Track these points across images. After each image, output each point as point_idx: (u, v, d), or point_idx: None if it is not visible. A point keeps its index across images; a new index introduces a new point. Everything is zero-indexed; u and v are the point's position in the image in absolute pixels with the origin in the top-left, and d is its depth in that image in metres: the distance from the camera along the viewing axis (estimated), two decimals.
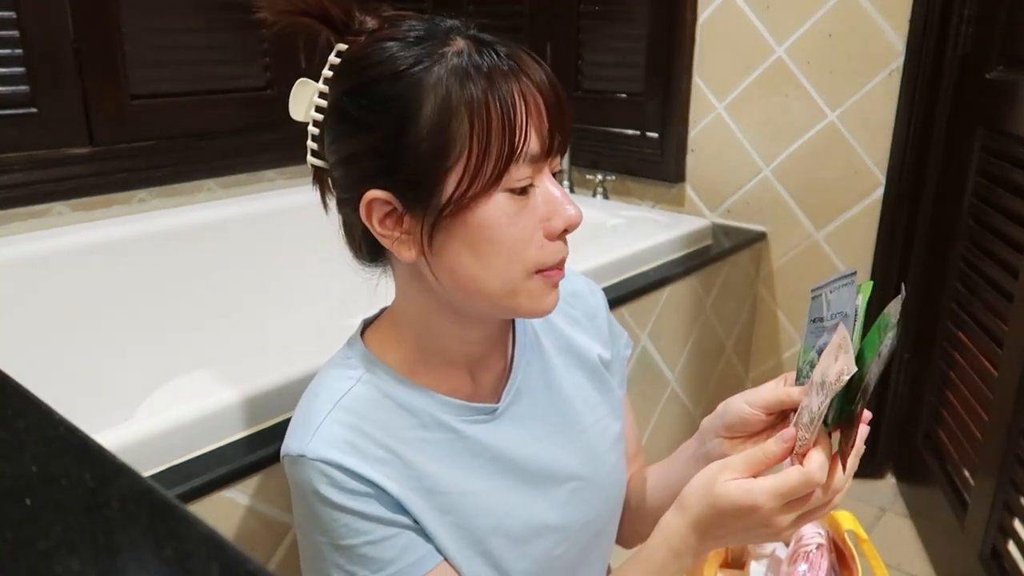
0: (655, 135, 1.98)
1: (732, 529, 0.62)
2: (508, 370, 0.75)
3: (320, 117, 0.66)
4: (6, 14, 1.49)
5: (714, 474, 0.62)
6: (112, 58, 1.64)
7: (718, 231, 1.84)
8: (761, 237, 1.85)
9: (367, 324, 0.75)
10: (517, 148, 0.60)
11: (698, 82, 1.88)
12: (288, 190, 1.97)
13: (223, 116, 1.86)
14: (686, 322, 1.68)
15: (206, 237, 1.74)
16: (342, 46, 0.65)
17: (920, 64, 1.54)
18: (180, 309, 1.65)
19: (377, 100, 0.61)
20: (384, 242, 0.65)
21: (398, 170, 0.61)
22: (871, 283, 0.64)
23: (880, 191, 1.66)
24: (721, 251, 1.73)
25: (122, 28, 1.65)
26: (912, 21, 1.54)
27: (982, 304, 1.39)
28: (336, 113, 0.65)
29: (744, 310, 1.90)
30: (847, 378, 0.56)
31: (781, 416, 0.69)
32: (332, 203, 0.70)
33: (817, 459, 0.58)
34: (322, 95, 0.66)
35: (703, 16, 1.83)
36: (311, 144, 0.68)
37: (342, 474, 0.63)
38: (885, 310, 0.60)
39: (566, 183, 2.08)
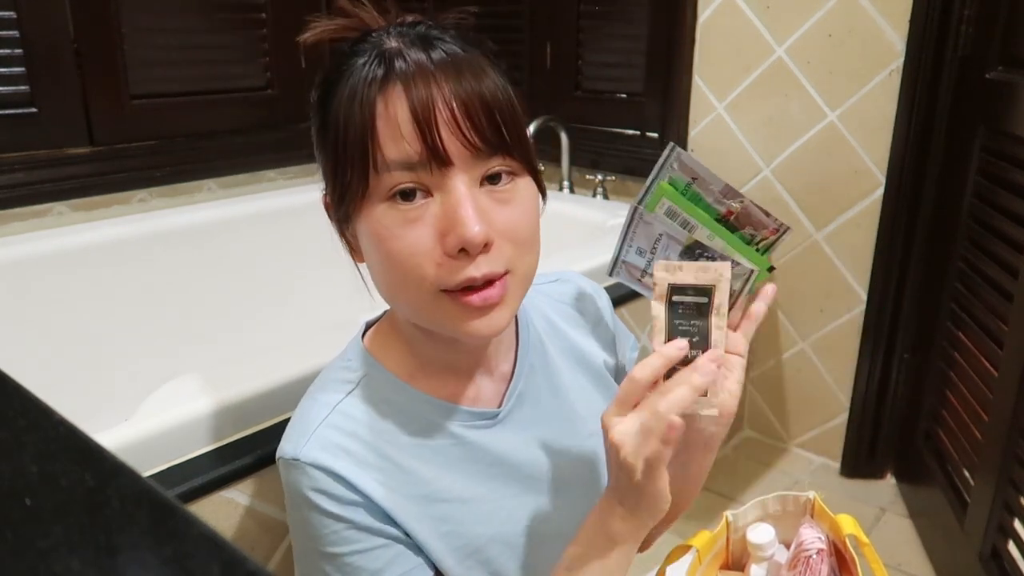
0: (655, 135, 1.98)
1: (623, 474, 0.59)
2: (511, 374, 0.74)
3: None
4: (6, 14, 1.49)
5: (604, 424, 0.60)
6: (112, 58, 1.64)
7: None
8: None
9: (369, 326, 0.74)
10: (370, 155, 0.58)
11: (698, 82, 1.88)
12: (288, 190, 1.97)
13: (223, 116, 1.86)
14: None
15: (206, 237, 1.75)
16: None
17: (920, 64, 1.54)
18: (180, 309, 1.65)
19: (314, 111, 0.65)
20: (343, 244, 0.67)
21: (323, 173, 0.65)
22: (663, 185, 0.66)
23: (880, 191, 1.66)
24: None
25: (122, 28, 1.65)
26: (912, 21, 1.54)
27: (982, 304, 1.39)
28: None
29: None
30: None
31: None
32: None
33: (646, 362, 0.58)
34: None
35: (703, 16, 1.83)
36: None
37: (334, 481, 0.63)
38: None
39: (566, 183, 2.08)
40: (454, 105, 0.57)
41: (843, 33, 1.64)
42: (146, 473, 0.73)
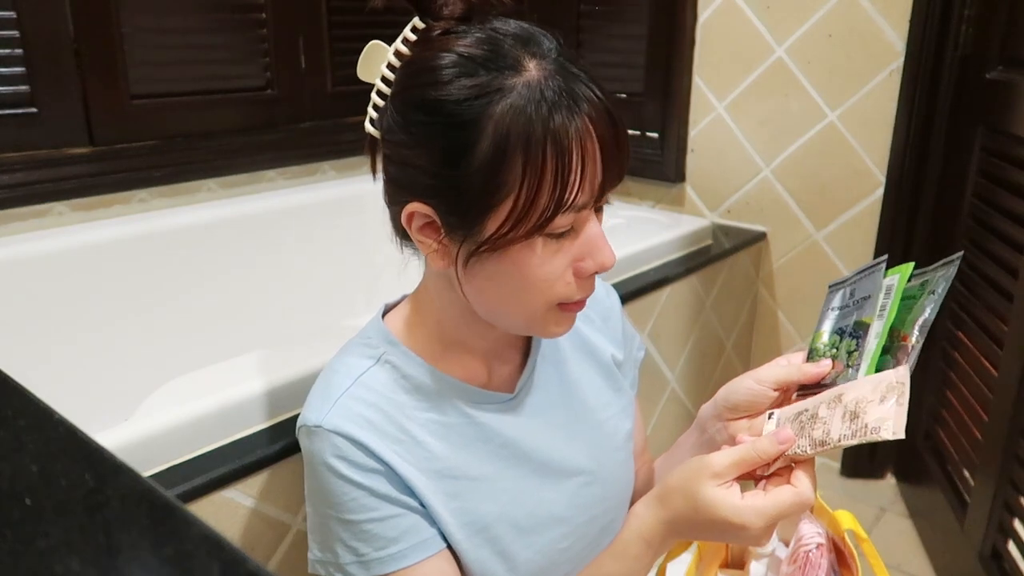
0: (655, 135, 1.98)
1: (709, 534, 0.65)
2: (524, 363, 0.77)
3: (385, 89, 0.65)
4: (6, 14, 1.49)
5: (697, 474, 0.63)
6: (112, 58, 1.64)
7: (718, 231, 1.84)
8: (761, 237, 1.85)
9: (388, 308, 0.76)
10: (566, 202, 0.59)
11: (698, 82, 1.88)
12: (288, 190, 1.97)
13: (223, 116, 1.86)
14: (686, 322, 1.67)
15: (206, 237, 1.74)
16: (419, 23, 0.64)
17: (920, 64, 1.54)
18: (180, 309, 1.65)
19: (435, 122, 0.59)
20: (419, 247, 0.66)
21: (445, 195, 0.61)
22: (911, 264, 0.65)
23: (880, 191, 1.66)
24: (721, 251, 1.73)
25: (122, 28, 1.65)
26: (912, 21, 1.54)
27: (982, 304, 1.39)
28: (397, 112, 0.62)
29: (744, 310, 1.90)
30: (889, 438, 0.56)
31: (784, 393, 0.70)
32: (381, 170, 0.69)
33: (806, 479, 0.61)
34: (390, 67, 0.65)
35: (703, 16, 1.83)
36: (371, 111, 0.67)
37: (356, 448, 0.65)
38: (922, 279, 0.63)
39: None
40: (621, 150, 0.61)
41: (843, 33, 1.64)
42: (146, 473, 0.73)
